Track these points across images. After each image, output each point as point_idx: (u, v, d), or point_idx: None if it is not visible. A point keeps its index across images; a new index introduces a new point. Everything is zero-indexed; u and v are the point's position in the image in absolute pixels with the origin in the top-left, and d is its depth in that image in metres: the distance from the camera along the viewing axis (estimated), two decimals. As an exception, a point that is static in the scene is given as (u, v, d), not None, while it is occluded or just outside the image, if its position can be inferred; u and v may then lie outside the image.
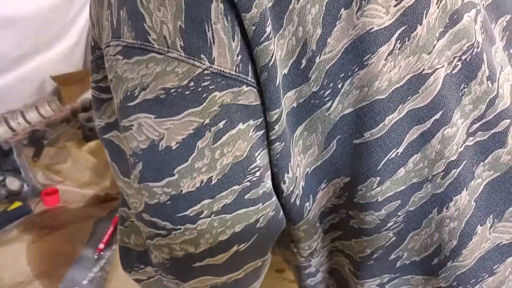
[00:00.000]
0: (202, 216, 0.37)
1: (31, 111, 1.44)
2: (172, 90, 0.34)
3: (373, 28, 0.37)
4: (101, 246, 0.93)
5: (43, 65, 2.45)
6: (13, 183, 1.09)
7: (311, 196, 0.43)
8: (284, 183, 0.40)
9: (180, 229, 0.37)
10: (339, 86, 0.38)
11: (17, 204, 1.04)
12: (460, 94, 0.40)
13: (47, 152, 1.26)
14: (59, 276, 0.84)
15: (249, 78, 0.35)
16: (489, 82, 0.41)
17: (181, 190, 0.36)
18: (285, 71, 0.37)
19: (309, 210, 0.43)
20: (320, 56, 0.37)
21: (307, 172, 0.41)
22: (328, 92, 0.38)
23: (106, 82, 0.40)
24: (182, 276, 0.40)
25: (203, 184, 0.36)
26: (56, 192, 1.10)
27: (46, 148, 1.25)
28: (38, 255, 0.90)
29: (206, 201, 0.37)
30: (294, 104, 0.38)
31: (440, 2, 0.39)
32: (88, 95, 1.85)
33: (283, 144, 0.38)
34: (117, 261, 0.87)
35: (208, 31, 0.33)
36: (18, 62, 2.18)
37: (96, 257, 0.91)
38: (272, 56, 0.35)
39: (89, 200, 1.12)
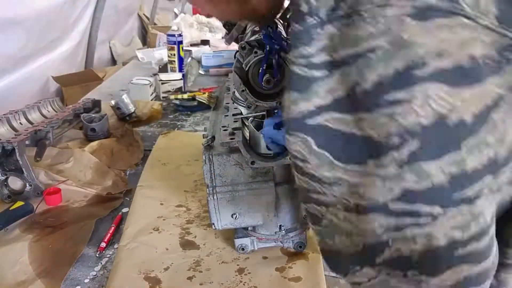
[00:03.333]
0: (481, 195, 0.34)
1: (33, 111, 1.44)
2: (475, 59, 0.32)
3: None
4: (103, 245, 0.94)
5: (45, 66, 2.47)
6: (15, 183, 1.10)
7: None
8: None
9: (451, 213, 0.33)
10: None
11: (19, 203, 1.04)
12: None
13: (49, 152, 1.26)
14: (61, 275, 0.85)
15: None
16: None
17: (466, 168, 0.33)
18: None
19: None
20: None
21: None
22: None
23: (322, 56, 0.35)
24: (435, 269, 0.35)
25: (490, 160, 0.34)
26: (58, 192, 1.11)
27: (48, 148, 1.26)
28: (40, 254, 0.91)
29: (489, 179, 0.34)
30: None
31: None
32: (89, 95, 1.86)
33: None
34: (118, 260, 0.88)
35: None
36: (21, 63, 2.20)
37: (98, 256, 0.92)
38: None
39: (91, 199, 1.13)
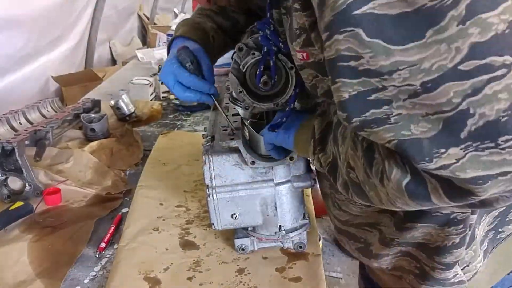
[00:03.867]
0: None
1: (33, 111, 1.44)
2: None
3: None
4: (103, 245, 0.94)
5: (45, 66, 2.46)
6: (15, 183, 1.10)
7: None
8: None
9: None
10: None
11: (19, 203, 1.04)
12: None
13: (49, 152, 1.26)
14: (61, 275, 0.85)
15: None
16: None
17: None
18: None
19: None
20: None
21: None
22: None
23: None
24: None
25: None
26: (58, 192, 1.11)
27: (48, 148, 1.26)
28: (40, 254, 0.91)
29: None
30: None
31: None
32: (89, 95, 1.86)
33: None
34: (118, 260, 0.88)
35: None
36: (20, 63, 2.20)
37: (97, 256, 0.92)
38: None
39: (91, 199, 1.13)
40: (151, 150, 1.39)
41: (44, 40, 2.36)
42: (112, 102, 1.62)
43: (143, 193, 1.13)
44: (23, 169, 1.09)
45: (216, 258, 0.89)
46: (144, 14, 4.67)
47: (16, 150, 1.07)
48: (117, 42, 3.85)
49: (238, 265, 0.87)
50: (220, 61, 2.54)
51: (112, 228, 0.99)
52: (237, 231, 0.91)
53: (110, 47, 3.78)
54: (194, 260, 0.89)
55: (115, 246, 0.94)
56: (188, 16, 4.03)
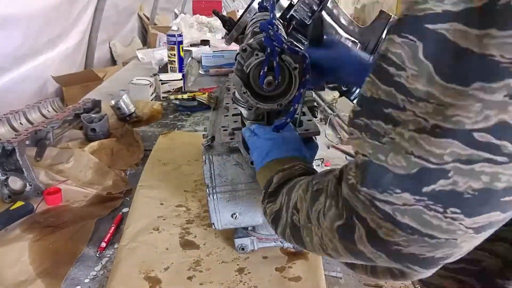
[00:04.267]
0: None
1: (34, 112, 1.45)
2: None
3: None
4: (103, 244, 0.94)
5: (45, 66, 2.46)
6: (15, 183, 1.10)
7: None
8: None
9: None
10: None
11: (19, 203, 1.05)
12: None
13: (50, 152, 1.26)
14: (61, 275, 0.85)
15: None
16: None
17: None
18: None
19: None
20: None
21: None
22: None
23: None
24: (476, 210, 0.35)
25: None
26: (59, 192, 1.11)
27: (49, 148, 1.26)
28: (41, 253, 0.91)
29: None
30: None
31: None
32: (89, 95, 1.86)
33: None
34: (118, 260, 0.88)
35: None
36: (20, 62, 2.20)
37: (98, 255, 0.92)
38: None
39: (91, 199, 1.13)
40: (151, 150, 1.39)
41: (43, 40, 2.36)
42: (113, 102, 1.62)
43: (143, 193, 1.13)
44: (24, 169, 1.09)
45: (216, 258, 0.90)
46: (144, 14, 4.67)
47: (16, 150, 1.08)
48: (117, 43, 3.86)
49: (238, 265, 0.88)
50: (220, 61, 2.55)
51: (113, 227, 1.00)
52: (237, 230, 0.91)
53: (110, 47, 3.78)
54: (194, 259, 0.89)
55: (116, 246, 0.94)
56: (188, 16, 4.03)
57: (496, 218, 0.36)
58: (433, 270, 0.41)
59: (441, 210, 0.36)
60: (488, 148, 0.33)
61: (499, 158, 0.33)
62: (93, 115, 1.48)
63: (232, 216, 0.85)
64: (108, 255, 0.92)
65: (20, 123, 1.36)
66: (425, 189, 0.36)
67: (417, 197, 0.36)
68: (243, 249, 0.90)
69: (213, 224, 0.86)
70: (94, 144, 1.36)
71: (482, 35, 0.31)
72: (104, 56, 3.64)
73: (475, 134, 0.33)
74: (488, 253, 0.49)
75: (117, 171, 1.25)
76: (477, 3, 0.32)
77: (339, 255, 0.45)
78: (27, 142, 1.16)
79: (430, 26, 0.34)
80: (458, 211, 0.35)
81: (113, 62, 3.77)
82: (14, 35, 2.05)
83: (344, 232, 0.42)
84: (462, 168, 0.34)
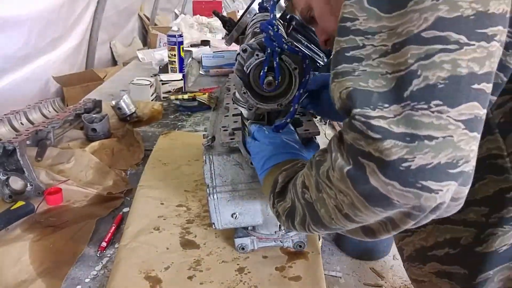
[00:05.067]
0: (496, 39, 0.41)
1: (34, 112, 1.45)
2: None
3: None
4: (104, 244, 0.94)
5: (46, 66, 2.47)
6: (16, 183, 1.11)
7: None
8: None
9: (474, 45, 0.40)
10: None
11: (20, 203, 1.05)
12: None
13: (50, 152, 1.27)
14: (62, 275, 0.85)
15: None
16: None
17: (488, 10, 0.40)
18: None
19: None
20: None
21: None
22: None
23: None
24: (454, 99, 0.40)
25: (503, 11, 0.41)
26: (59, 192, 1.11)
27: (49, 148, 1.26)
28: (41, 253, 0.91)
29: (501, 28, 0.41)
30: None
31: None
32: (90, 95, 1.87)
33: None
34: (119, 259, 0.88)
35: None
36: (21, 63, 2.20)
37: (98, 255, 0.92)
38: None
39: (92, 199, 1.13)
40: (151, 150, 1.39)
41: (44, 40, 2.36)
42: (113, 103, 1.62)
43: (144, 193, 1.13)
44: (25, 169, 1.09)
45: (216, 257, 0.90)
46: (144, 14, 4.67)
47: (17, 150, 1.08)
48: (118, 43, 3.86)
49: (238, 264, 0.88)
50: (220, 61, 2.55)
51: (113, 227, 1.00)
52: (237, 230, 0.91)
53: (111, 48, 3.78)
54: (194, 259, 0.89)
55: (116, 246, 0.95)
56: (188, 16, 4.04)
57: (477, 112, 0.41)
58: (446, 191, 0.41)
59: (425, 106, 0.40)
60: (437, 41, 0.40)
61: (450, 46, 0.40)
62: (94, 115, 1.48)
63: (232, 216, 0.85)
64: (109, 255, 0.92)
65: (21, 123, 1.36)
66: (405, 94, 0.41)
67: (402, 103, 0.41)
68: (243, 248, 0.90)
69: (213, 224, 0.87)
70: (95, 144, 1.37)
71: None
72: (104, 56, 3.64)
73: (423, 34, 0.40)
74: (462, 226, 0.55)
75: (118, 171, 1.26)
76: None
77: (355, 210, 0.46)
78: (28, 142, 1.16)
79: None
80: (440, 102, 0.40)
81: (114, 62, 3.77)
82: (16, 37, 2.06)
83: (355, 175, 0.44)
84: (425, 63, 0.40)
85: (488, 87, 0.41)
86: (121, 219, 1.04)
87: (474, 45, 0.40)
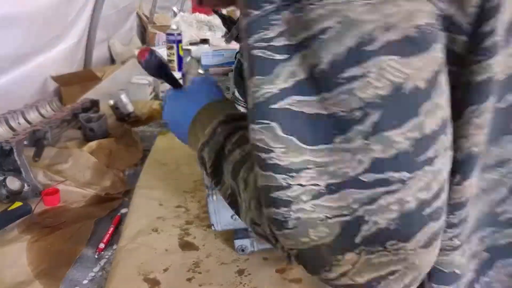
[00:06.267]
0: (438, 154, 0.36)
1: (32, 111, 1.44)
2: (420, 29, 0.34)
3: None
4: (102, 245, 0.93)
5: (44, 65, 2.45)
6: (13, 183, 1.10)
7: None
8: None
9: (418, 175, 0.36)
10: None
11: (17, 204, 1.04)
12: None
13: (48, 152, 1.26)
14: (60, 276, 0.84)
15: (469, 26, 0.37)
16: None
17: (425, 131, 0.35)
18: (504, 34, 0.38)
19: None
20: None
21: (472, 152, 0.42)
22: None
23: (281, 41, 0.37)
24: (409, 233, 0.37)
25: (443, 120, 0.36)
26: (57, 192, 1.10)
27: (47, 148, 1.25)
28: (39, 254, 0.90)
29: (443, 138, 0.37)
30: (502, 75, 0.39)
31: None
32: (88, 95, 1.86)
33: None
34: (117, 261, 0.87)
35: None
36: (18, 62, 2.18)
37: (96, 256, 0.91)
38: (491, 2, 0.36)
39: (90, 200, 1.12)
40: (150, 150, 1.39)
41: (42, 39, 2.34)
42: (111, 102, 1.61)
43: (142, 193, 1.13)
44: (22, 169, 1.08)
45: (215, 259, 0.89)
46: (143, 13, 4.66)
47: (14, 150, 1.07)
48: (116, 42, 3.84)
49: (238, 266, 0.87)
50: (220, 60, 2.54)
51: (112, 228, 0.99)
52: (237, 231, 0.90)
53: (109, 46, 3.77)
54: (193, 261, 0.88)
55: (114, 247, 0.94)
56: (187, 14, 4.03)
57: (434, 230, 0.38)
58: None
59: (381, 248, 0.37)
60: (378, 183, 0.36)
61: (393, 187, 0.36)
62: (92, 115, 1.47)
63: (231, 217, 0.84)
64: (107, 256, 0.92)
65: (18, 123, 1.35)
66: (357, 240, 0.37)
67: (357, 250, 0.38)
68: (243, 250, 0.89)
69: (213, 225, 0.86)
70: (93, 144, 1.36)
71: (319, 100, 0.36)
72: (103, 55, 3.62)
73: (361, 177, 0.36)
74: None
75: (116, 171, 1.25)
76: (302, 75, 0.36)
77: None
78: (25, 142, 1.15)
79: (275, 106, 0.37)
80: (394, 241, 0.37)
81: (112, 61, 3.75)
82: (13, 36, 2.04)
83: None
84: (371, 208, 0.36)
85: (441, 200, 0.38)
86: (120, 220, 1.04)
87: (418, 175, 0.36)
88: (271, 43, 0.37)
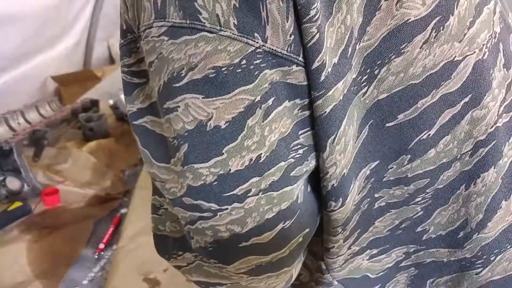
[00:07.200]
0: (250, 194, 0.37)
1: (32, 111, 1.44)
2: (224, 69, 0.35)
3: (410, 18, 0.39)
4: (101, 246, 0.93)
5: (44, 65, 2.44)
6: (13, 183, 1.10)
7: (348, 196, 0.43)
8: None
9: (227, 209, 0.37)
10: (376, 72, 0.40)
11: (17, 204, 1.04)
12: (490, 78, 0.44)
13: (48, 152, 1.26)
14: (60, 276, 0.85)
15: (300, 58, 0.36)
16: (505, 69, 0.45)
17: (230, 170, 0.36)
18: (335, 60, 0.38)
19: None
20: (359, 43, 0.39)
21: (344, 173, 0.42)
22: (365, 77, 0.40)
23: (139, 66, 0.41)
24: (226, 258, 0.40)
25: (252, 162, 0.37)
26: (56, 192, 1.10)
27: (46, 148, 1.25)
28: (39, 255, 0.90)
29: (255, 179, 0.37)
30: (341, 96, 0.39)
31: None
32: (88, 95, 1.86)
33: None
34: (117, 261, 0.87)
35: (263, 10, 0.34)
36: (18, 62, 2.18)
37: (96, 257, 0.91)
38: (312, 39, 0.36)
39: (89, 200, 1.12)
40: (150, 150, 1.39)
41: (42, 39, 2.34)
42: (111, 102, 1.61)
43: (142, 194, 1.13)
44: (22, 169, 1.08)
45: (215, 259, 0.89)
46: (143, 13, 4.66)
47: (14, 150, 1.07)
48: (116, 42, 3.84)
49: (237, 266, 0.87)
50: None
51: (111, 229, 0.99)
52: (236, 232, 0.90)
53: (109, 46, 3.77)
54: (193, 261, 0.88)
55: (114, 247, 0.94)
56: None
57: (257, 262, 0.41)
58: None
59: (208, 261, 0.42)
60: (194, 208, 0.38)
61: (205, 214, 0.38)
62: (91, 115, 1.47)
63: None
64: (107, 257, 0.92)
65: (18, 123, 1.35)
66: (193, 246, 0.41)
67: (194, 254, 0.43)
68: (242, 250, 0.89)
69: (213, 225, 0.86)
70: (92, 144, 1.36)
71: (162, 122, 0.39)
72: (102, 55, 3.62)
73: (183, 199, 0.38)
74: (303, 267, 0.53)
75: (116, 172, 1.25)
76: (152, 99, 0.40)
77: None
78: (25, 142, 1.15)
79: (135, 122, 0.42)
80: (216, 261, 0.40)
81: (112, 61, 3.75)
82: (13, 35, 2.04)
83: None
84: (193, 228, 0.39)
85: (266, 238, 0.39)
86: (119, 220, 1.04)
87: (227, 209, 0.37)
88: (132, 68, 0.41)
